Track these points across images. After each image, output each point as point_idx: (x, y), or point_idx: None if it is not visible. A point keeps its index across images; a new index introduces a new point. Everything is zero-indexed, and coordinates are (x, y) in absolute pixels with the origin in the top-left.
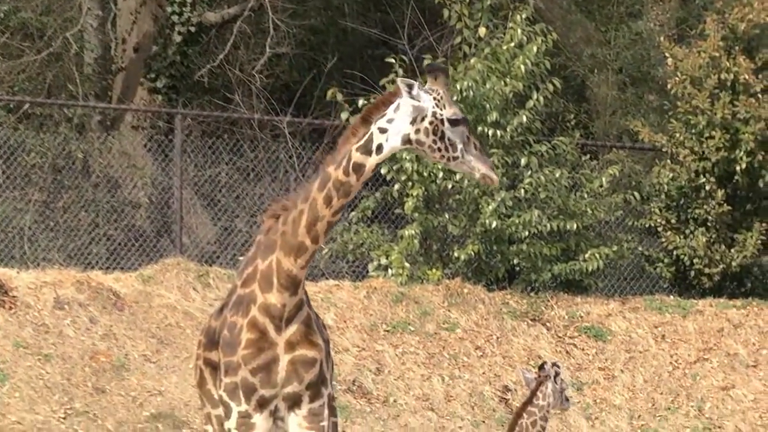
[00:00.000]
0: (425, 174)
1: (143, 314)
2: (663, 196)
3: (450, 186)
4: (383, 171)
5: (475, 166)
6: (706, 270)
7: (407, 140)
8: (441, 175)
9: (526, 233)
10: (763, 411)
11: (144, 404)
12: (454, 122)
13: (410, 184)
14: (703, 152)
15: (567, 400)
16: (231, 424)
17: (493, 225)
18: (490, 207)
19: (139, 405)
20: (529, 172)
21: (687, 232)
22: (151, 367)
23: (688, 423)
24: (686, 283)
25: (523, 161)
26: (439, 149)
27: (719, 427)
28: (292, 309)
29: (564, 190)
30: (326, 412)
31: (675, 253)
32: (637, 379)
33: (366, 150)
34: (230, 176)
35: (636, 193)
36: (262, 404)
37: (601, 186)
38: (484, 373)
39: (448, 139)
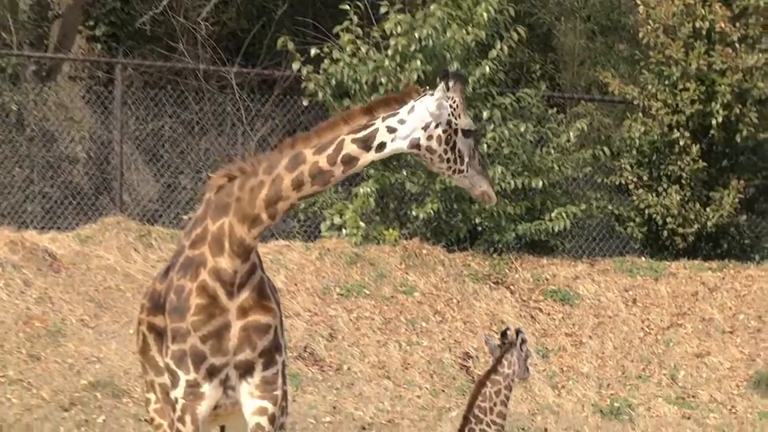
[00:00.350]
0: None
1: (81, 276)
2: (634, 152)
3: None
4: None
5: (477, 182)
6: (680, 230)
7: (416, 145)
8: None
9: None
10: (740, 379)
11: (81, 372)
12: (466, 133)
13: None
14: (677, 105)
15: (528, 369)
16: (178, 393)
17: (454, 182)
18: None
19: (76, 373)
20: (492, 126)
21: (660, 189)
22: (89, 333)
23: (661, 392)
24: (659, 244)
25: (485, 114)
26: (448, 160)
27: (693, 397)
28: (244, 274)
29: (529, 145)
30: (280, 380)
31: (647, 212)
32: (607, 346)
33: (364, 144)
34: (174, 130)
35: (605, 149)
36: (212, 373)
37: (569, 141)
38: (443, 339)
39: (459, 150)
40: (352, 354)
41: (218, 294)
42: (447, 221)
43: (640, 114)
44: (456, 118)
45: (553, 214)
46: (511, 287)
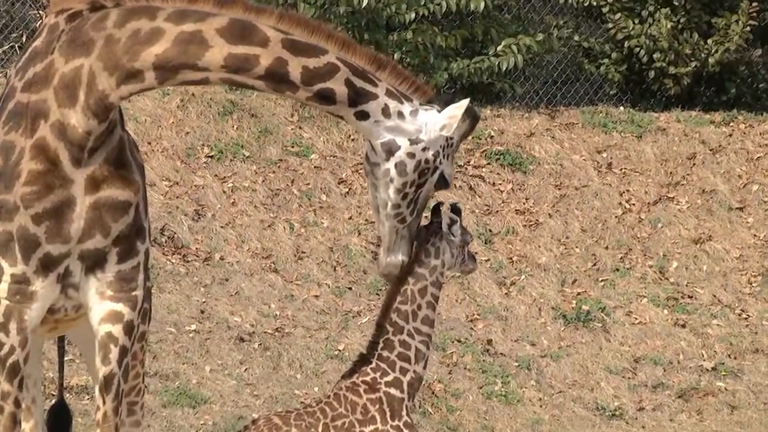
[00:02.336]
0: None
1: None
2: None
3: None
4: None
5: (399, 247)
6: (672, 69)
7: (389, 152)
8: None
9: (413, 16)
10: (752, 273)
11: None
12: (440, 183)
13: None
14: None
15: (472, 259)
16: (1, 291)
17: (364, 3)
18: None
19: None
20: None
21: (644, 14)
22: None
23: (645, 290)
24: (643, 89)
25: None
26: (404, 196)
27: (689, 297)
28: (99, 136)
29: None
30: (141, 276)
31: (627, 44)
32: (572, 228)
33: (355, 96)
34: None
35: None
36: (48, 265)
37: None
38: (350, 218)
39: (420, 195)
40: (227, 239)
41: (61, 158)
42: None
43: None
44: (444, 158)
45: (499, 48)
46: None
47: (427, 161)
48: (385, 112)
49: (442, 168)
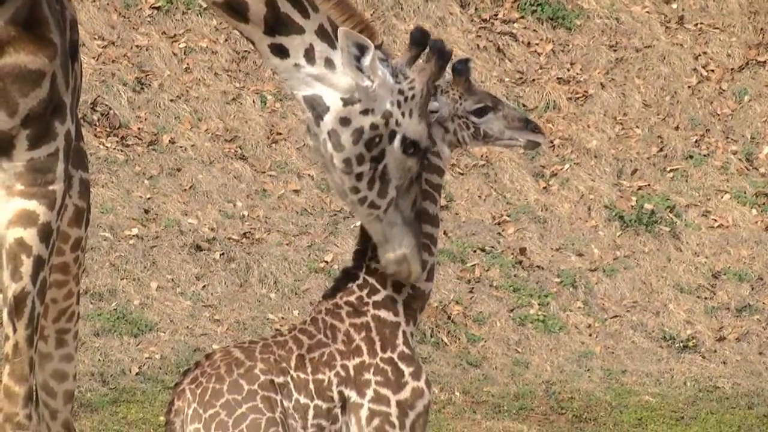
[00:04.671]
0: None
1: None
2: None
3: None
4: None
5: (396, 238)
6: None
7: (317, 116)
8: None
9: None
10: None
11: None
12: (408, 148)
13: None
14: None
15: (520, 129)
16: None
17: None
18: None
19: None
20: None
21: None
22: None
23: (727, 184)
24: None
25: None
26: (359, 176)
27: None
28: None
29: None
30: (61, 165)
31: None
32: (631, 102)
33: (270, 24)
34: None
35: None
36: None
37: None
38: None
39: (382, 168)
40: (178, 116)
41: None
42: None
43: None
44: (406, 116)
45: None
46: None
47: (374, 127)
48: (309, 55)
49: (404, 130)
